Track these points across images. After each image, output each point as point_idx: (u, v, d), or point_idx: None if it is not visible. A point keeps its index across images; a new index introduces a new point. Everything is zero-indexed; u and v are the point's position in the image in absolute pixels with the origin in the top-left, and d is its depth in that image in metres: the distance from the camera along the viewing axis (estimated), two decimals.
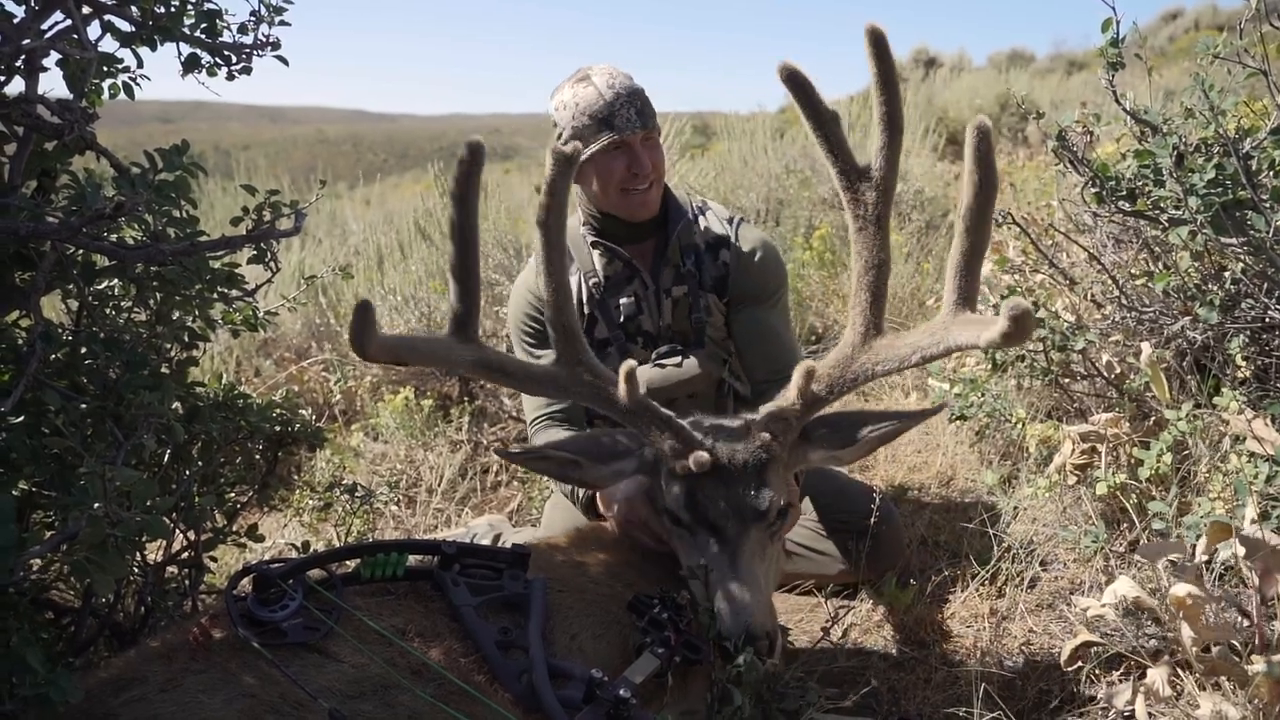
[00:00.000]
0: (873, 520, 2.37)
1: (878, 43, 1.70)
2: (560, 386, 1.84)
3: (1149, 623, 1.85)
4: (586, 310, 2.57)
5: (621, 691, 1.44)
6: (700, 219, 2.61)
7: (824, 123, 1.80)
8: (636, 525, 1.98)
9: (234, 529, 2.19)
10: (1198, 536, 1.88)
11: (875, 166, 1.79)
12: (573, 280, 2.57)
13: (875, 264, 1.80)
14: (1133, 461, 2.30)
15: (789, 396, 1.83)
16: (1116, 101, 2.23)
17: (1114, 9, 2.16)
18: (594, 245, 2.56)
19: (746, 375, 2.59)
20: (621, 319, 2.56)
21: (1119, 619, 1.87)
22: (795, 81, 1.78)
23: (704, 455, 1.71)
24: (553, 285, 1.85)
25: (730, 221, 2.62)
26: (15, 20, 1.59)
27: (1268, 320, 2.16)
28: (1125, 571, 2.10)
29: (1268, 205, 2.00)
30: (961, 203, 1.72)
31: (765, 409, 1.85)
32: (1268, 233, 1.97)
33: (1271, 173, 2.08)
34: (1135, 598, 1.82)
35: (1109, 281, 2.63)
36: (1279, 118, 2.06)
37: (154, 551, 2.21)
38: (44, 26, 1.64)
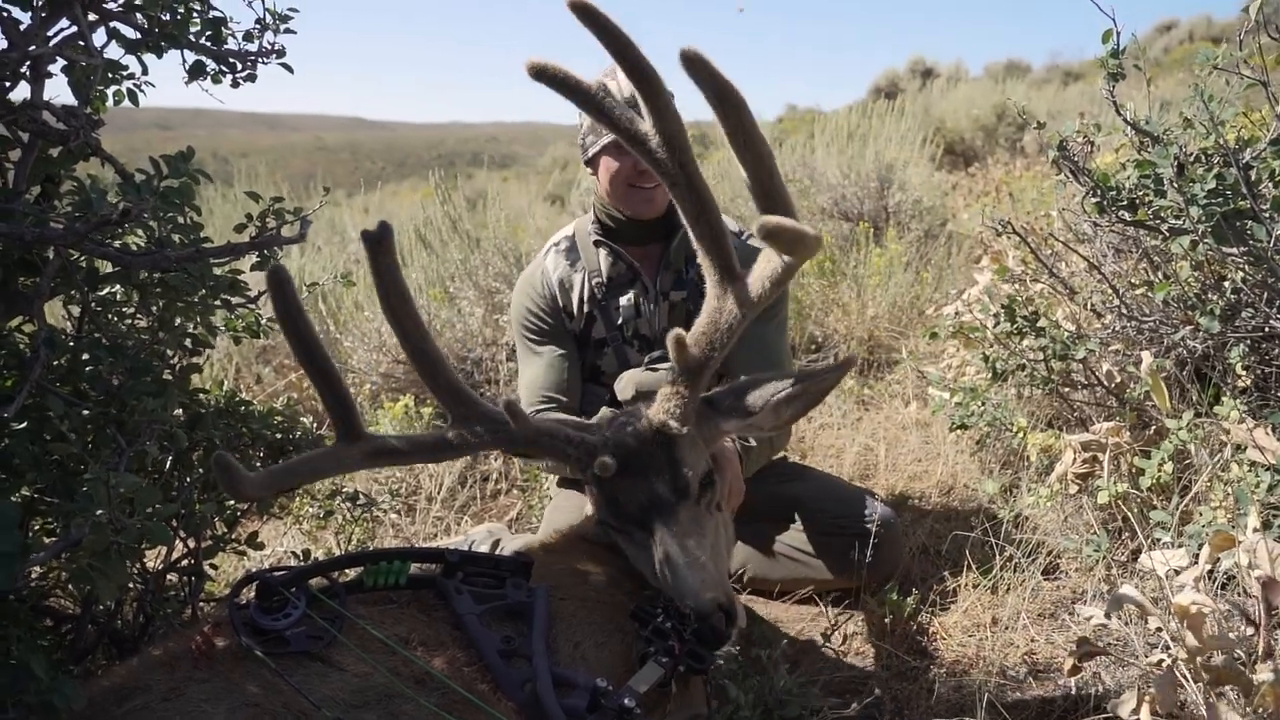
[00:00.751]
0: (873, 526, 2.38)
1: (585, 12, 1.58)
2: (456, 445, 1.77)
3: (1153, 632, 1.85)
4: (586, 309, 2.59)
5: (626, 701, 1.44)
6: None
7: (594, 102, 1.73)
8: None
9: (234, 536, 2.18)
10: (1200, 545, 1.87)
11: (649, 125, 1.71)
12: (576, 279, 2.60)
13: (699, 212, 1.73)
14: (1134, 471, 2.31)
15: (673, 371, 1.79)
16: (1117, 112, 2.24)
17: (1114, 20, 2.18)
18: (598, 245, 2.59)
19: None
20: (620, 321, 2.58)
21: (1123, 628, 1.87)
22: (547, 76, 1.69)
23: (606, 459, 1.70)
24: (417, 352, 1.75)
25: (739, 235, 2.62)
26: (22, 26, 1.60)
27: (1268, 330, 2.16)
28: (1128, 580, 2.10)
29: (1268, 215, 2.01)
30: (723, 130, 1.62)
31: (659, 393, 1.82)
32: (1268, 242, 1.97)
33: (1271, 183, 2.09)
34: (1139, 607, 1.82)
35: (1109, 291, 2.63)
36: (1278, 128, 2.07)
37: (153, 559, 2.20)
38: (50, 32, 1.65)
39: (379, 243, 1.65)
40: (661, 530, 1.68)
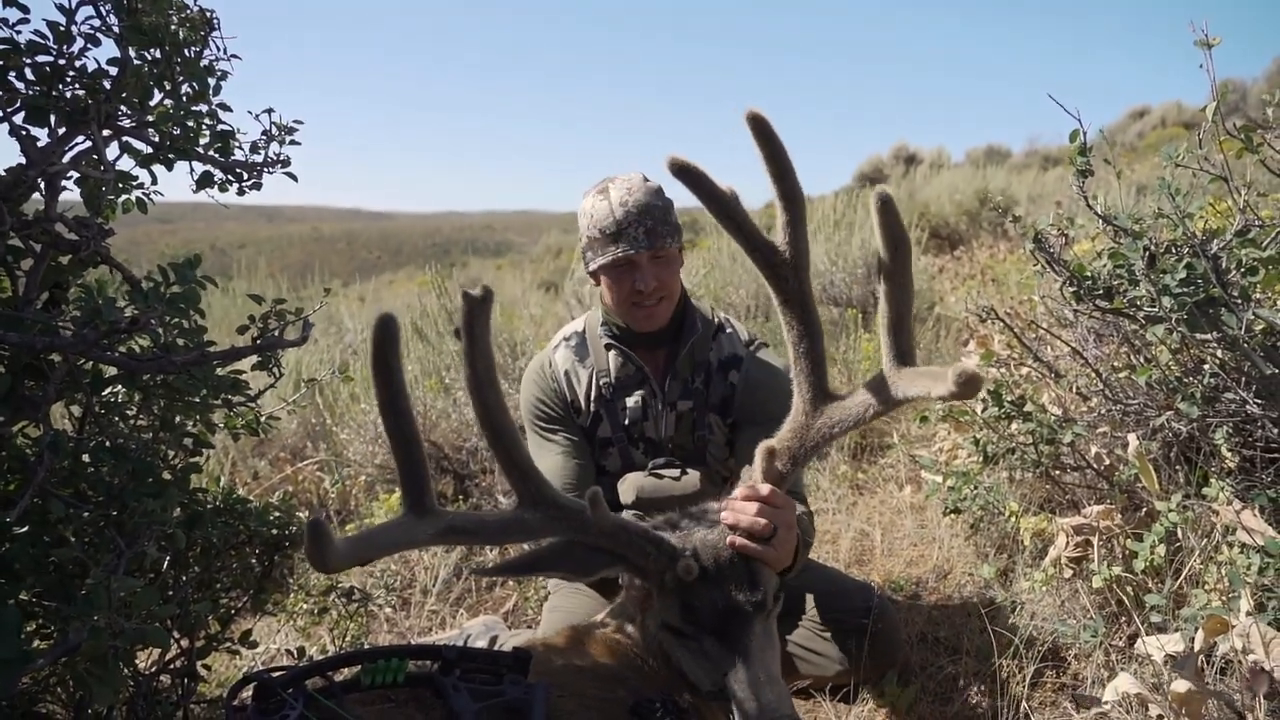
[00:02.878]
0: (870, 619, 2.37)
1: (759, 126, 1.74)
2: (529, 528, 1.76)
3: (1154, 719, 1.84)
4: (593, 408, 2.61)
5: None
6: (719, 336, 2.63)
7: (725, 207, 1.84)
8: None
9: (228, 635, 2.17)
10: (1196, 630, 1.88)
11: (783, 242, 1.84)
12: (583, 374, 2.62)
13: (808, 333, 1.86)
14: (1127, 553, 2.32)
15: (756, 480, 1.84)
16: (1089, 206, 2.33)
17: (1079, 119, 2.28)
18: (608, 347, 2.61)
19: None
20: (626, 421, 2.59)
21: (1124, 716, 1.86)
22: (686, 173, 1.80)
23: (690, 563, 1.70)
24: (494, 430, 1.74)
25: (750, 344, 2.64)
26: (40, 144, 1.67)
27: (1247, 413, 2.21)
28: (1126, 667, 2.09)
29: (1238, 303, 2.08)
30: (881, 266, 1.80)
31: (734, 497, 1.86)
32: (1240, 329, 2.04)
33: (1240, 271, 2.16)
34: (1137, 695, 1.81)
35: (1093, 375, 2.69)
36: (1242, 220, 2.16)
37: (145, 661, 2.18)
38: (65, 148, 1.72)
39: (480, 303, 1.65)
40: (737, 645, 1.67)
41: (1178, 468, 2.46)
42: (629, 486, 2.42)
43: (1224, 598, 1.99)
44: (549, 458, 2.58)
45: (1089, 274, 2.36)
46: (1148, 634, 2.05)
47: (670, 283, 2.50)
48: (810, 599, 2.49)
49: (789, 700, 1.65)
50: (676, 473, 2.40)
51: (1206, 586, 2.06)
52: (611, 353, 2.61)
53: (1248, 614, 1.77)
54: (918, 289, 6.51)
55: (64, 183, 1.72)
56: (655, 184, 2.49)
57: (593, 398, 2.60)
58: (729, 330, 2.67)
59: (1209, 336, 2.15)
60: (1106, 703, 1.82)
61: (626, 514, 2.26)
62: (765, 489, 1.81)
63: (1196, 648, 1.82)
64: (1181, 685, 1.64)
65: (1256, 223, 2.16)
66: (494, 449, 1.77)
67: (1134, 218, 2.37)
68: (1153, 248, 2.20)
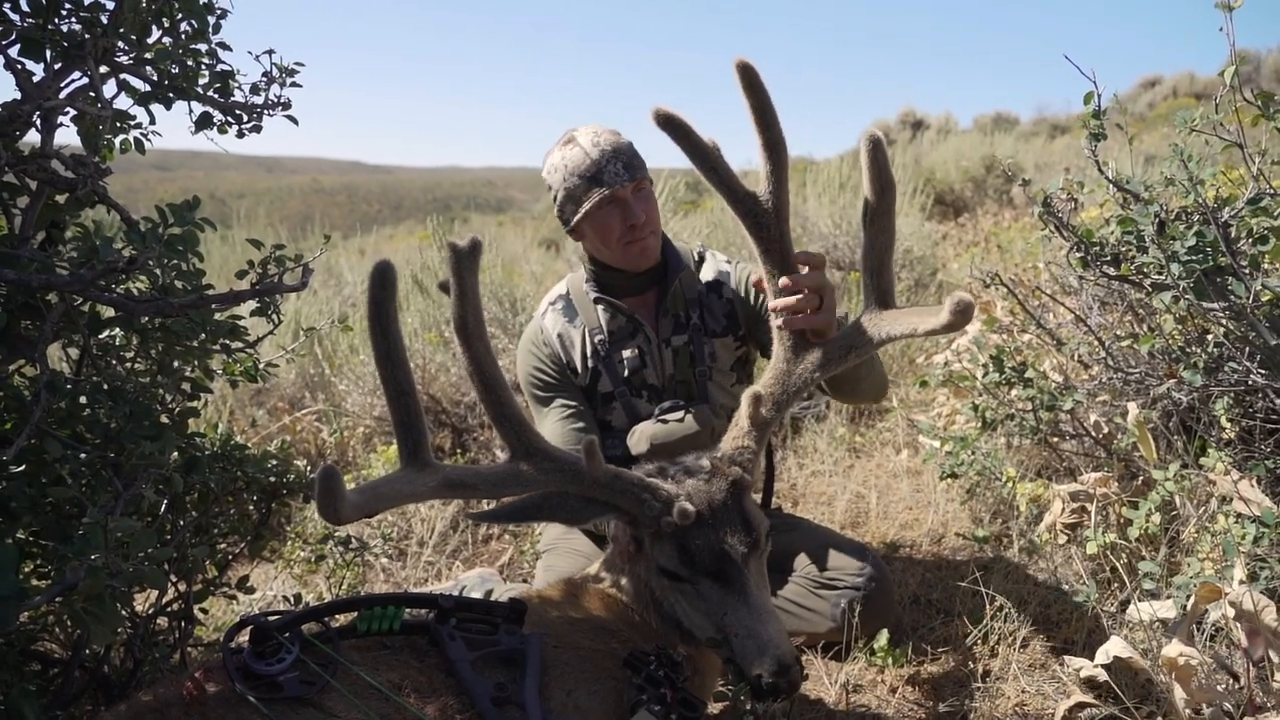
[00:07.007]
0: (863, 579, 2.39)
1: (747, 75, 1.78)
2: (524, 480, 1.76)
3: (1142, 684, 1.86)
4: (590, 365, 2.61)
5: None
6: (702, 266, 2.70)
7: (707, 158, 1.88)
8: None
9: (225, 580, 2.18)
10: (1188, 597, 1.89)
11: (765, 192, 1.88)
12: (575, 334, 2.62)
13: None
14: (1122, 521, 2.33)
15: (742, 425, 1.90)
16: (1100, 171, 2.30)
17: (1095, 81, 2.24)
18: (596, 301, 2.62)
19: None
20: (626, 373, 2.60)
21: (1112, 680, 1.88)
22: (672, 124, 1.85)
23: (686, 507, 1.72)
24: (484, 382, 1.76)
25: (729, 261, 2.72)
26: (35, 78, 1.64)
27: (1250, 383, 2.20)
28: (1117, 631, 2.10)
29: (1247, 272, 2.06)
30: (866, 208, 1.82)
31: (726, 443, 1.91)
32: (1248, 298, 2.02)
33: (1250, 240, 2.14)
34: (1128, 658, 1.83)
35: (1095, 343, 2.68)
36: (1255, 188, 2.13)
37: (143, 603, 2.19)
38: (61, 84, 1.69)
39: (469, 254, 1.67)
40: (734, 586, 1.71)
41: (1176, 437, 2.46)
42: (640, 437, 2.43)
43: (1217, 567, 2.00)
44: (546, 426, 2.59)
45: (1097, 240, 2.34)
46: (1140, 600, 2.06)
47: (656, 216, 2.56)
48: (805, 557, 2.51)
49: (786, 638, 1.68)
50: (680, 415, 2.42)
51: (1200, 555, 2.07)
52: (599, 307, 2.62)
53: (1240, 582, 1.78)
54: (921, 255, 6.49)
55: (61, 120, 1.69)
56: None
57: (588, 354, 2.61)
58: (708, 256, 2.74)
59: (1215, 305, 2.13)
60: (1096, 666, 1.83)
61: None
62: (790, 279, 1.90)
63: (1189, 614, 1.83)
64: (1173, 649, 1.66)
65: (1269, 191, 2.14)
66: (484, 401, 1.79)
67: (1145, 185, 2.34)
68: (1163, 214, 2.18)
